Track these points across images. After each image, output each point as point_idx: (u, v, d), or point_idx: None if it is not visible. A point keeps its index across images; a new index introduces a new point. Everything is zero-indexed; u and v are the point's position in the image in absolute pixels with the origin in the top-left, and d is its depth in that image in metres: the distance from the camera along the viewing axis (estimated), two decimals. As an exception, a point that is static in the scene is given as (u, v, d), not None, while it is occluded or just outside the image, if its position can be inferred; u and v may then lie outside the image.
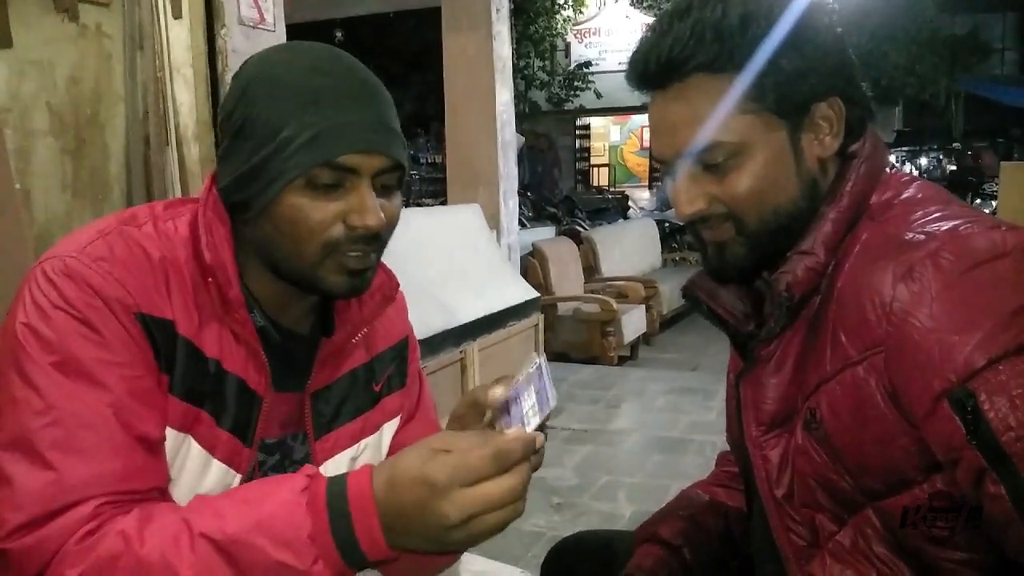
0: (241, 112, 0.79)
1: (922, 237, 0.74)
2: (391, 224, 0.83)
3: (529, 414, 0.73)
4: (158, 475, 0.76)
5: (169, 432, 0.78)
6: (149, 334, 0.76)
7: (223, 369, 0.81)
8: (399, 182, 0.84)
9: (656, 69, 0.81)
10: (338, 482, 0.68)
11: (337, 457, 0.91)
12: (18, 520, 0.68)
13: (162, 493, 0.77)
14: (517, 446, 0.65)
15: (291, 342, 0.88)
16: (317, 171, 0.77)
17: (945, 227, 0.74)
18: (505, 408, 0.74)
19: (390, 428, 0.97)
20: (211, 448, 0.81)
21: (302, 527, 0.66)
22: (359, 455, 0.94)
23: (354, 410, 0.93)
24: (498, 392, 0.74)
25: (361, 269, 0.82)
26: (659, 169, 0.89)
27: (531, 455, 0.66)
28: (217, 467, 0.82)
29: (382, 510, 0.66)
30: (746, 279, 0.90)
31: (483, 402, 0.77)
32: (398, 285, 0.94)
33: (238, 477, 0.84)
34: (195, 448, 0.80)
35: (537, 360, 0.77)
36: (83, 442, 0.71)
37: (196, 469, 0.81)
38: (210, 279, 0.80)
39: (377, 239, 0.82)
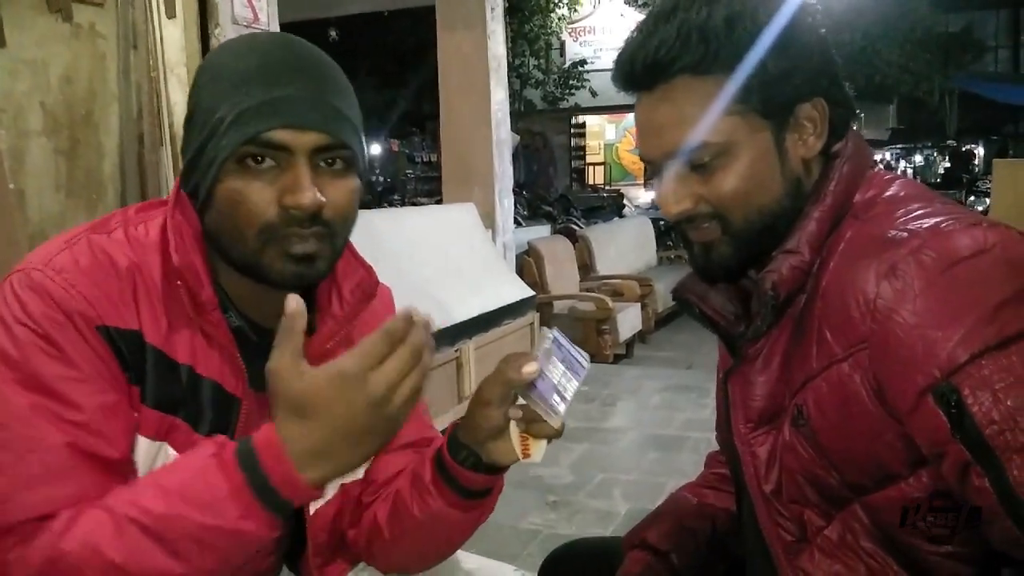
0: (191, 103, 0.80)
1: (905, 235, 0.75)
2: (338, 208, 0.79)
3: (562, 381, 0.78)
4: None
5: (143, 441, 0.78)
6: (114, 347, 0.75)
7: (196, 374, 0.80)
8: (348, 164, 0.80)
9: (642, 71, 0.82)
10: (245, 439, 0.68)
11: None
12: None
13: None
14: (397, 321, 0.67)
15: (270, 341, 0.87)
16: (245, 148, 0.75)
17: (927, 224, 0.75)
18: (531, 384, 0.77)
19: None
20: None
21: (219, 487, 0.66)
22: None
23: None
24: (531, 368, 0.76)
25: (305, 255, 0.78)
26: (648, 170, 0.90)
27: (411, 325, 0.67)
28: None
29: (292, 447, 0.66)
30: (732, 278, 0.91)
31: (515, 379, 0.78)
32: (378, 281, 0.93)
33: None
34: (172, 454, 0.79)
35: (550, 334, 0.80)
36: (30, 467, 0.70)
37: None
38: (179, 282, 0.78)
39: (318, 221, 0.78)
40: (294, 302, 0.68)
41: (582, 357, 0.79)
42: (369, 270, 0.92)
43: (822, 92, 0.83)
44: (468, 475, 0.86)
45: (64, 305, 0.73)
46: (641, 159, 0.90)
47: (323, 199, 0.77)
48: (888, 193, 0.83)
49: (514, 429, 0.82)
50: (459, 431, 0.87)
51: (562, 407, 0.78)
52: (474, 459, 0.86)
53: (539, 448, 0.83)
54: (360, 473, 0.95)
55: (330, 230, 0.79)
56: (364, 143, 0.84)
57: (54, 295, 0.73)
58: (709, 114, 0.80)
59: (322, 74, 0.79)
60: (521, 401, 0.81)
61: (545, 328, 0.81)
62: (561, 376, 0.78)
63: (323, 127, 0.76)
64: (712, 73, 0.80)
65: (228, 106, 0.75)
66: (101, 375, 0.74)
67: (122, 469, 0.76)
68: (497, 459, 0.85)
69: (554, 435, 0.81)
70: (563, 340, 0.79)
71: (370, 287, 0.91)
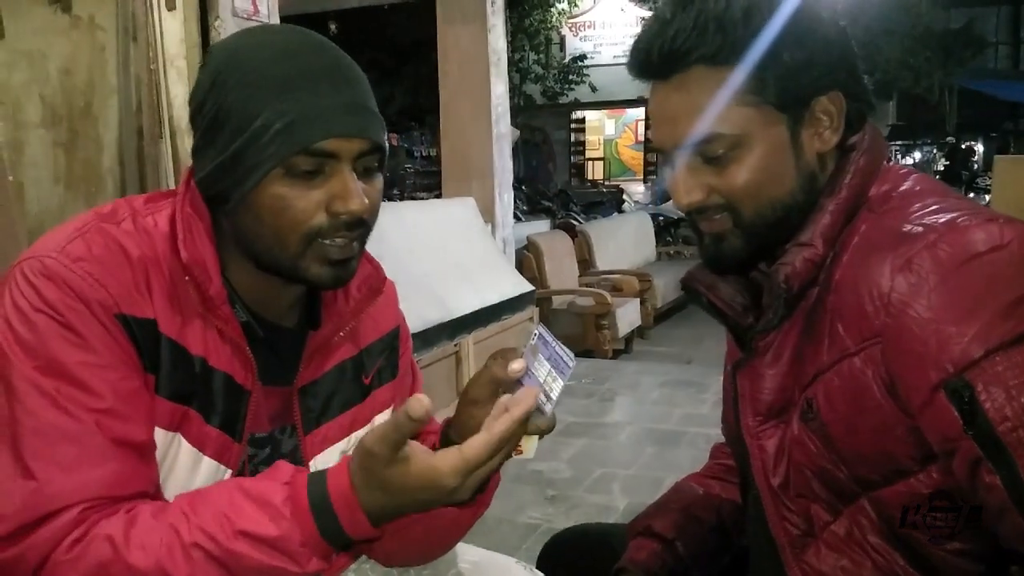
0: (213, 102, 0.77)
1: (920, 229, 0.74)
2: (374, 208, 0.81)
3: (548, 380, 0.76)
4: (144, 480, 0.75)
5: (158, 432, 0.77)
6: (131, 335, 0.75)
7: (209, 366, 0.80)
8: (380, 164, 0.82)
9: (658, 59, 0.81)
10: (318, 485, 0.70)
11: (327, 451, 0.90)
12: (2, 531, 0.68)
13: (149, 497, 0.76)
14: (505, 430, 0.70)
15: (276, 336, 0.87)
16: (295, 159, 0.75)
17: (943, 219, 0.74)
18: (518, 383, 0.76)
19: (381, 420, 0.96)
20: (201, 445, 0.81)
21: (291, 538, 0.69)
22: (349, 448, 0.92)
23: (343, 403, 0.92)
24: (516, 366, 0.76)
25: (344, 259, 0.80)
26: (656, 160, 0.90)
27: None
28: (208, 464, 0.81)
29: (367, 505, 0.70)
30: (742, 270, 0.90)
31: (502, 377, 0.78)
32: (385, 277, 0.93)
33: (228, 472, 0.83)
34: (185, 446, 0.80)
35: (536, 330, 0.78)
36: (64, 453, 0.70)
37: (186, 467, 0.80)
38: (187, 277, 0.78)
39: (361, 224, 0.80)
40: (421, 408, 0.67)
41: (567, 355, 0.78)
42: (376, 266, 0.92)
43: (840, 85, 0.82)
44: None
45: (82, 293, 0.73)
46: (654, 148, 0.89)
47: (368, 203, 0.79)
48: (903, 187, 0.82)
49: None
50: (450, 430, 0.86)
51: (548, 407, 0.77)
52: None
53: (531, 444, 0.81)
54: None
55: (366, 230, 0.82)
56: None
57: (71, 283, 0.73)
58: (724, 105, 0.79)
59: (355, 76, 0.80)
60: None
61: (531, 324, 0.80)
62: (547, 375, 0.77)
63: (366, 133, 0.78)
64: (728, 64, 0.79)
65: (272, 113, 0.74)
66: (121, 362, 0.74)
67: (150, 452, 0.77)
68: None
69: (546, 431, 0.80)
70: (548, 337, 0.78)
71: (377, 282, 0.91)
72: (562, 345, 0.79)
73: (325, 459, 0.90)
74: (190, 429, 0.80)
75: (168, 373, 0.78)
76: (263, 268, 0.82)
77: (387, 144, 0.83)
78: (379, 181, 0.82)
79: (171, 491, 0.79)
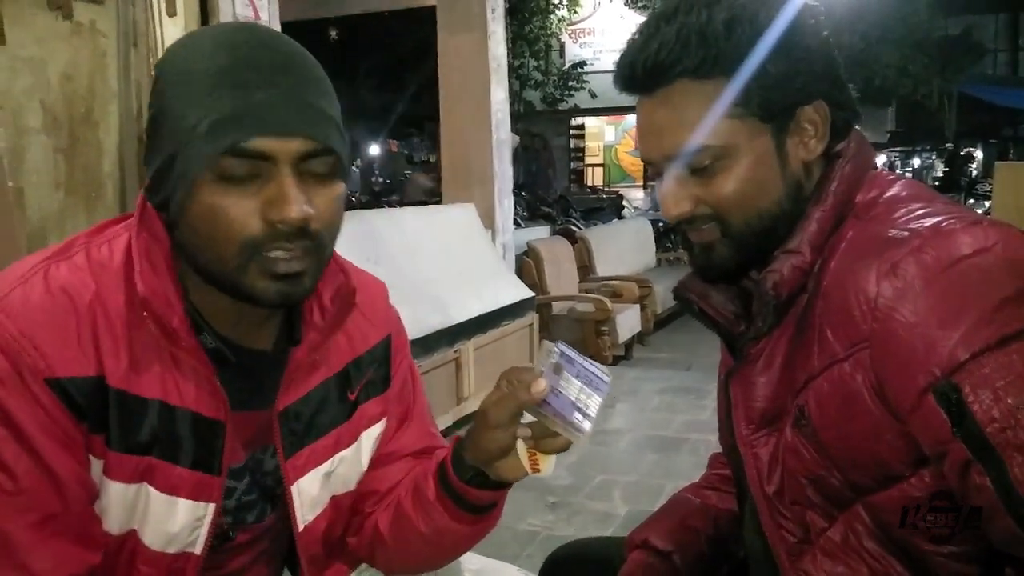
0: (155, 104, 0.71)
1: (906, 234, 0.75)
2: (324, 218, 0.72)
3: (581, 397, 0.75)
4: (74, 563, 0.72)
5: (117, 487, 0.75)
6: (66, 398, 0.70)
7: (169, 406, 0.75)
8: (334, 170, 0.73)
9: (642, 74, 0.82)
10: None
11: (310, 474, 0.87)
12: None
13: (91, 569, 0.73)
14: None
15: (251, 359, 0.82)
16: (224, 161, 0.68)
17: (928, 224, 0.75)
18: (544, 402, 0.75)
19: (368, 436, 0.92)
20: (172, 490, 0.77)
21: None
22: (334, 469, 0.89)
23: (328, 423, 0.87)
24: (540, 387, 0.74)
25: (291, 273, 0.72)
26: (650, 170, 0.90)
27: None
28: (185, 505, 0.78)
29: None
30: (732, 278, 0.90)
31: (526, 400, 0.75)
32: (355, 288, 0.85)
33: (211, 507, 0.80)
34: (154, 495, 0.76)
35: (556, 348, 0.78)
36: None
37: (161, 512, 0.77)
38: (145, 313, 0.72)
39: (305, 235, 0.71)
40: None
41: (601, 371, 0.77)
42: (347, 274, 0.85)
43: (823, 95, 0.82)
44: (475, 493, 0.84)
45: (12, 355, 0.68)
46: (642, 160, 0.89)
47: (311, 211, 0.70)
48: (889, 193, 0.83)
49: (522, 446, 0.80)
50: (463, 451, 0.83)
51: (587, 424, 0.75)
52: (481, 478, 0.83)
53: (549, 463, 0.81)
54: (352, 485, 0.93)
55: (317, 243, 0.73)
56: (347, 141, 0.76)
57: (3, 344, 0.68)
58: (709, 117, 0.80)
59: (299, 71, 0.71)
60: (528, 418, 0.79)
61: (548, 342, 0.79)
62: (579, 392, 0.76)
63: (307, 131, 0.70)
64: (712, 76, 0.79)
65: (199, 113, 0.67)
66: (45, 430, 0.69)
67: (82, 534, 0.73)
68: (505, 476, 0.82)
69: (565, 449, 0.79)
70: (574, 355, 0.77)
71: (348, 294, 0.84)
72: (592, 361, 0.79)
73: (308, 482, 0.87)
74: (156, 477, 0.76)
75: (119, 428, 0.73)
76: (215, 287, 0.75)
77: (344, 146, 0.74)
78: (334, 188, 0.74)
79: (149, 536, 0.78)
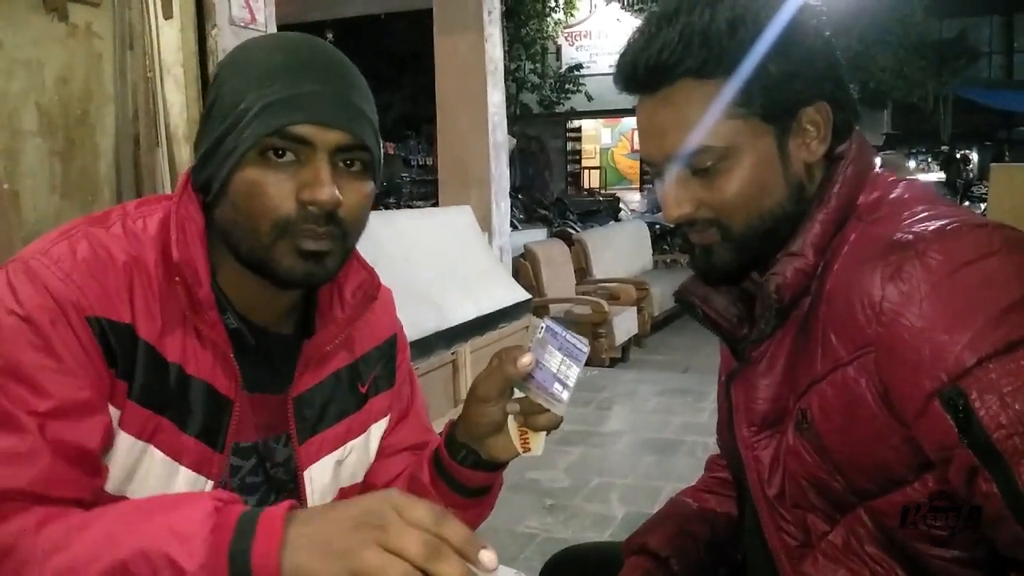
0: (212, 96, 0.79)
1: (910, 237, 0.74)
2: (352, 209, 0.79)
3: (562, 368, 0.77)
4: (79, 487, 0.72)
5: (125, 438, 0.76)
6: (103, 339, 0.74)
7: (186, 374, 0.79)
8: (366, 167, 0.80)
9: (644, 74, 0.81)
10: (241, 556, 0.58)
11: (322, 461, 0.89)
12: None
13: (82, 505, 0.72)
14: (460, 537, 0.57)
15: (269, 343, 0.86)
16: (269, 140, 0.75)
17: (932, 227, 0.74)
18: (529, 376, 0.78)
19: (377, 429, 0.96)
20: (176, 455, 0.79)
21: (200, 531, 0.59)
22: (345, 458, 0.92)
23: (339, 412, 0.91)
24: (526, 360, 0.76)
25: (317, 252, 0.77)
26: (650, 171, 0.90)
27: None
28: (186, 474, 0.80)
29: (289, 529, 0.58)
30: (734, 280, 0.90)
31: (512, 374, 0.78)
32: (380, 283, 0.92)
33: (210, 483, 0.81)
34: (158, 456, 0.78)
35: (543, 323, 0.79)
36: None
37: (162, 476, 0.78)
38: (177, 278, 0.77)
39: (333, 220, 0.77)
40: (489, 560, 0.57)
41: (580, 342, 0.79)
42: (371, 272, 0.91)
43: (826, 96, 0.82)
44: (468, 473, 0.86)
45: (57, 294, 0.72)
46: (643, 160, 0.89)
47: (340, 197, 0.76)
48: (892, 195, 0.82)
49: (512, 424, 0.83)
50: (456, 430, 0.86)
51: (565, 394, 0.78)
52: (473, 457, 0.86)
53: (539, 441, 0.83)
54: (359, 478, 0.95)
55: (343, 230, 0.79)
56: (381, 146, 0.84)
57: (48, 284, 0.73)
58: (711, 118, 0.79)
59: (347, 74, 0.79)
60: (518, 394, 0.81)
61: (536, 318, 0.81)
62: (560, 363, 0.78)
63: (347, 126, 0.76)
64: (714, 77, 0.79)
65: (253, 97, 0.75)
66: (84, 368, 0.73)
67: (91, 463, 0.74)
68: (496, 455, 0.85)
69: (554, 426, 0.81)
70: (558, 328, 0.79)
71: (372, 289, 0.90)
72: (573, 332, 0.81)
73: (320, 468, 0.89)
74: (163, 439, 0.78)
75: (142, 379, 0.76)
76: (242, 262, 0.80)
77: (378, 149, 0.81)
78: (365, 185, 0.80)
79: None
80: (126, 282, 0.76)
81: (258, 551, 0.57)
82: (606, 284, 5.97)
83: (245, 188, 0.76)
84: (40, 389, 0.71)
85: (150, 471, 0.78)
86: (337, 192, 0.76)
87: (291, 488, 0.89)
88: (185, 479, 0.80)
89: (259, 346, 0.85)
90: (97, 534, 0.63)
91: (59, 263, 0.74)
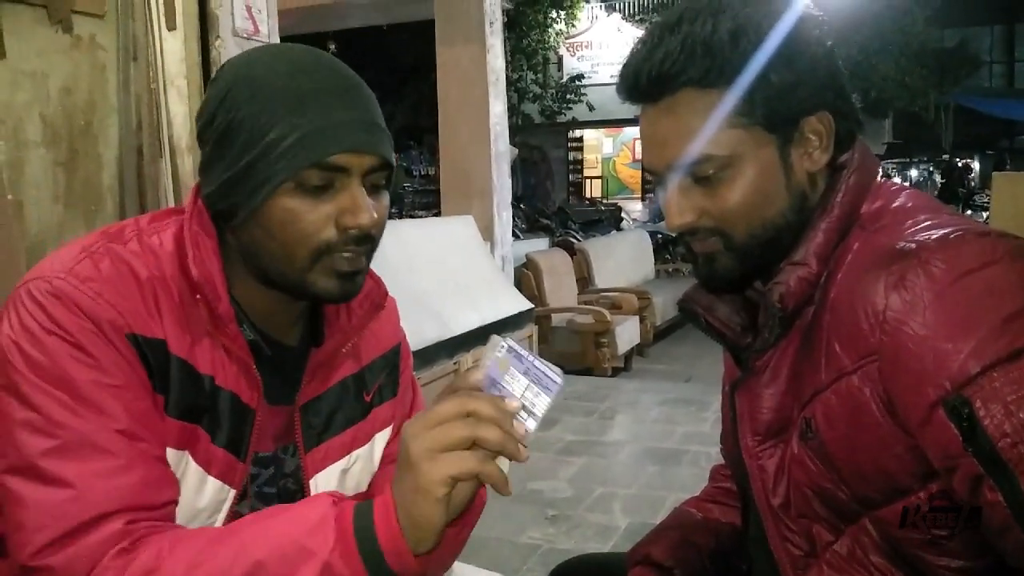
0: (223, 117, 0.77)
1: (913, 246, 0.74)
2: (382, 224, 0.82)
3: (528, 395, 0.70)
4: (171, 487, 0.76)
5: (169, 452, 0.77)
6: (142, 355, 0.75)
7: (216, 385, 0.80)
8: (387, 181, 0.83)
9: (647, 83, 0.82)
10: (367, 531, 0.67)
11: (328, 470, 0.90)
12: (44, 539, 0.68)
13: (176, 505, 0.77)
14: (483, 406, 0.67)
15: (280, 354, 0.87)
16: (307, 173, 0.76)
17: (936, 235, 0.74)
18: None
19: (382, 438, 0.96)
20: (207, 465, 0.80)
21: (327, 519, 0.67)
22: (350, 466, 0.92)
23: (345, 421, 0.91)
24: (474, 376, 0.71)
25: (352, 272, 0.80)
26: (651, 180, 0.90)
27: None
28: (212, 484, 0.81)
29: (410, 542, 0.67)
30: (736, 289, 0.90)
31: (459, 387, 0.74)
32: (387, 292, 0.93)
33: (232, 492, 0.83)
34: (192, 466, 0.79)
35: (503, 343, 0.72)
36: (93, 459, 0.70)
37: (193, 486, 0.80)
38: (198, 295, 0.78)
39: (369, 239, 0.81)
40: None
41: (553, 372, 0.72)
42: (378, 281, 0.92)
43: (828, 105, 0.82)
44: None
45: (93, 313, 0.73)
46: (645, 169, 0.89)
47: (377, 218, 0.79)
48: (895, 204, 0.82)
49: None
50: None
51: (531, 423, 0.70)
52: None
53: (500, 463, 0.76)
54: (364, 487, 0.95)
55: (374, 246, 0.83)
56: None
57: (81, 303, 0.73)
58: (713, 127, 0.80)
59: (366, 96, 0.81)
60: None
61: (495, 336, 0.74)
62: (525, 390, 0.71)
63: (376, 149, 0.79)
64: (716, 86, 0.79)
65: (284, 127, 0.75)
66: (132, 382, 0.74)
67: (167, 463, 0.76)
68: None
69: (514, 458, 0.73)
70: (523, 352, 0.73)
71: (379, 298, 0.91)
72: (545, 362, 0.73)
73: (325, 478, 0.90)
74: (197, 448, 0.80)
75: (178, 393, 0.77)
76: (270, 283, 0.82)
77: (394, 162, 0.84)
78: (386, 198, 0.83)
79: (178, 511, 0.79)
80: (152, 298, 0.77)
81: (378, 519, 0.66)
82: (608, 293, 5.97)
83: (282, 216, 0.77)
84: (100, 406, 0.71)
85: (184, 479, 0.79)
86: (375, 214, 0.79)
87: (299, 498, 0.88)
88: (212, 488, 0.81)
89: (274, 358, 0.86)
90: (231, 544, 0.68)
91: (88, 282, 0.74)
